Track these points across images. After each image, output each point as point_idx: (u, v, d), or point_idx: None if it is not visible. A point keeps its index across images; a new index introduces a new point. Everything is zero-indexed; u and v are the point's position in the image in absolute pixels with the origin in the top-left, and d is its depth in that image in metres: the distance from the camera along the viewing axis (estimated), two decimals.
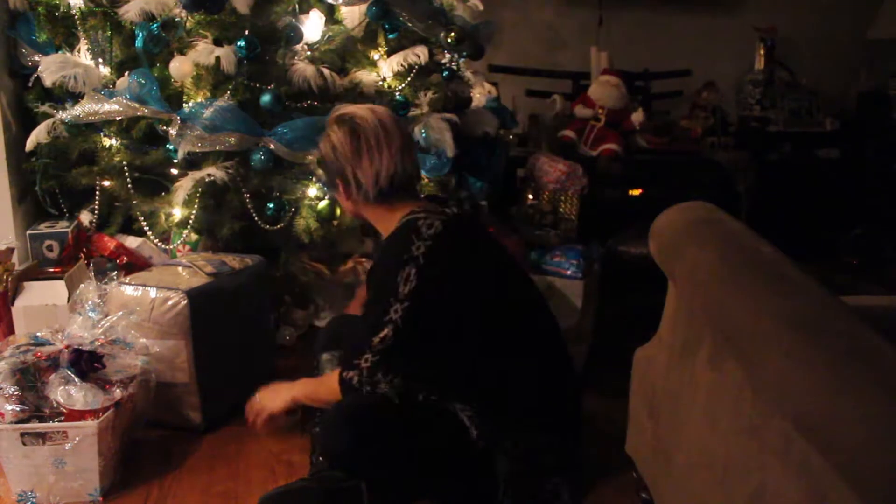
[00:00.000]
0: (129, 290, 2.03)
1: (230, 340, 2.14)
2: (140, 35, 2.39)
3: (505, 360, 1.63)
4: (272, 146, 2.40)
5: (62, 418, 1.69)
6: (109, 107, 2.34)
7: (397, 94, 2.70)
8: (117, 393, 1.76)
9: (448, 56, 2.85)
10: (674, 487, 1.52)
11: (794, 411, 1.01)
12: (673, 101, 4.09)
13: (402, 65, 2.67)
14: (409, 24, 2.66)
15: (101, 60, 2.47)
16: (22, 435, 1.66)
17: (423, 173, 2.75)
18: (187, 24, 2.43)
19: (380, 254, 1.74)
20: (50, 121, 2.43)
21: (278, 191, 2.54)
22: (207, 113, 2.30)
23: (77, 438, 1.67)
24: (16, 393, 1.68)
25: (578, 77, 3.83)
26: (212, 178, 2.37)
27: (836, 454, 0.92)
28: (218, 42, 2.43)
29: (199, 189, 2.37)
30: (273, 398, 1.75)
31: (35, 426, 1.67)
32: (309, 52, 2.59)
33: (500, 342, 1.63)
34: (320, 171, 2.16)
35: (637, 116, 3.59)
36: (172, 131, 2.31)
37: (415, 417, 1.60)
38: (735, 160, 3.64)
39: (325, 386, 1.66)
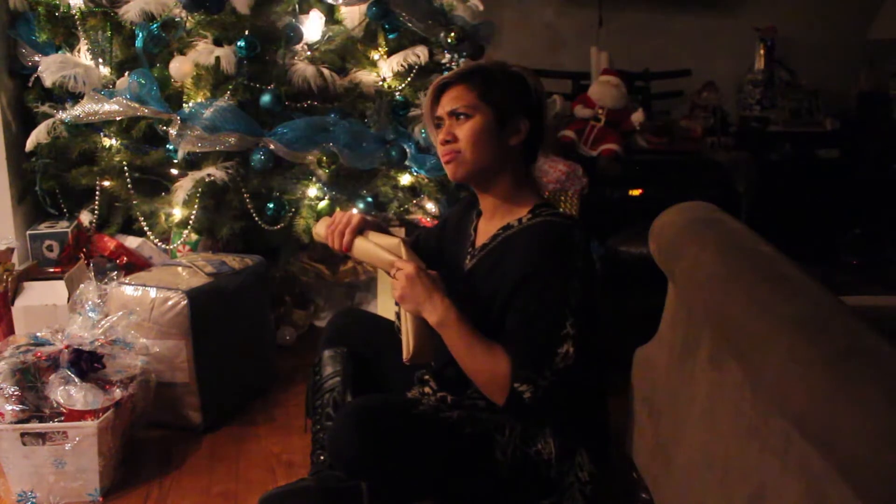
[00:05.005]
0: (129, 290, 2.03)
1: (230, 340, 2.14)
2: (140, 35, 2.40)
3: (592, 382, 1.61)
4: (272, 146, 2.40)
5: (62, 418, 1.69)
6: (109, 107, 2.34)
7: (397, 94, 2.70)
8: (117, 393, 1.76)
9: (448, 56, 2.85)
10: (674, 487, 1.52)
11: (794, 411, 1.01)
12: (673, 101, 4.08)
13: (402, 65, 2.67)
14: (409, 24, 2.66)
15: (101, 60, 2.47)
16: (22, 435, 1.66)
17: (422, 173, 2.76)
18: (187, 24, 2.44)
19: (531, 254, 1.49)
20: (50, 121, 2.43)
21: (278, 191, 2.54)
22: (207, 113, 2.30)
23: (77, 438, 1.67)
24: (16, 393, 1.68)
25: (578, 77, 3.83)
26: (212, 178, 2.37)
27: (836, 454, 0.92)
28: (218, 42, 2.43)
29: (199, 189, 2.37)
30: (417, 285, 1.47)
31: (35, 426, 1.67)
32: (309, 52, 2.59)
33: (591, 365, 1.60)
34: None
35: (637, 116, 3.58)
36: (172, 131, 2.31)
37: (433, 428, 1.51)
38: (735, 160, 3.64)
39: (482, 358, 1.45)
